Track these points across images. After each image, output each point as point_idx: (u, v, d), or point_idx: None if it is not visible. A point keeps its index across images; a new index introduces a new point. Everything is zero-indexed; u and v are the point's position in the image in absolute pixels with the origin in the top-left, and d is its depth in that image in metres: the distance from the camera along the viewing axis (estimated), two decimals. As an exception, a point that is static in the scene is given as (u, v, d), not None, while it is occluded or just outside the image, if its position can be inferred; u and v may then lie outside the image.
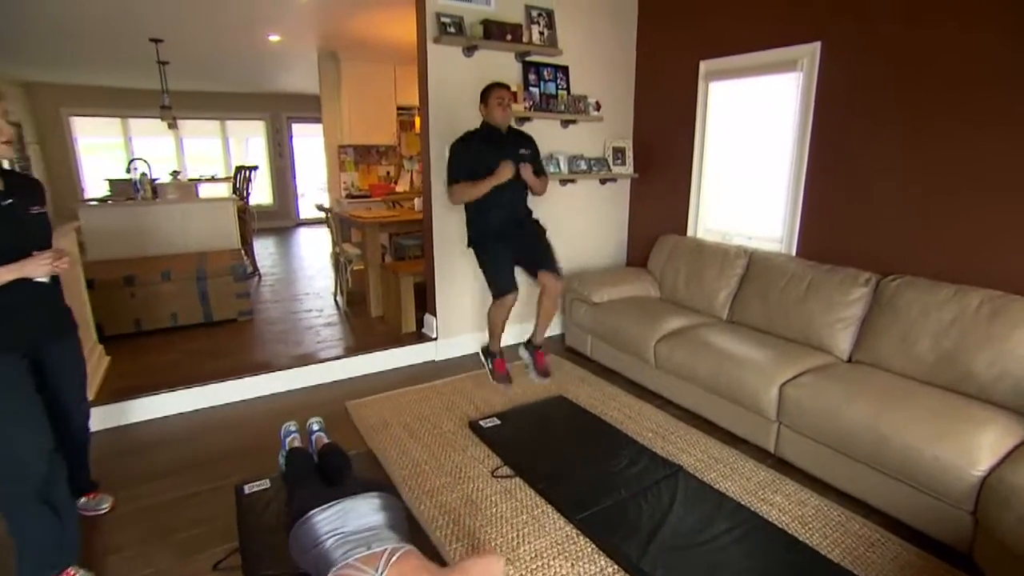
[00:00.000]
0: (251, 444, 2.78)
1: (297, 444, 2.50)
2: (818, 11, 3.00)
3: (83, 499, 2.26)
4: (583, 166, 4.07)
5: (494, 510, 2.25)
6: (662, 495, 2.30)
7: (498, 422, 2.91)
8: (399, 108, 6.60)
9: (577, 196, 4.21)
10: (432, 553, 1.96)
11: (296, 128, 10.56)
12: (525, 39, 3.64)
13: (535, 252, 3.23)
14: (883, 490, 2.16)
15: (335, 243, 4.90)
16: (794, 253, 3.29)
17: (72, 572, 1.84)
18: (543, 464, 2.54)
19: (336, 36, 5.60)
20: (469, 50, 3.51)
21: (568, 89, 3.96)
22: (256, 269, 6.20)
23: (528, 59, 3.77)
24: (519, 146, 3.16)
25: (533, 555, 2.00)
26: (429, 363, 3.84)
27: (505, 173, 2.98)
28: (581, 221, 4.29)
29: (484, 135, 3.12)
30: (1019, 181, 2.36)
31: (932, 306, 2.48)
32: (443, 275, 3.77)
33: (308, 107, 9.48)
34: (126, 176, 5.57)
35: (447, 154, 3.19)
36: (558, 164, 3.98)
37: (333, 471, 2.23)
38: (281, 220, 10.65)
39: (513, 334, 4.09)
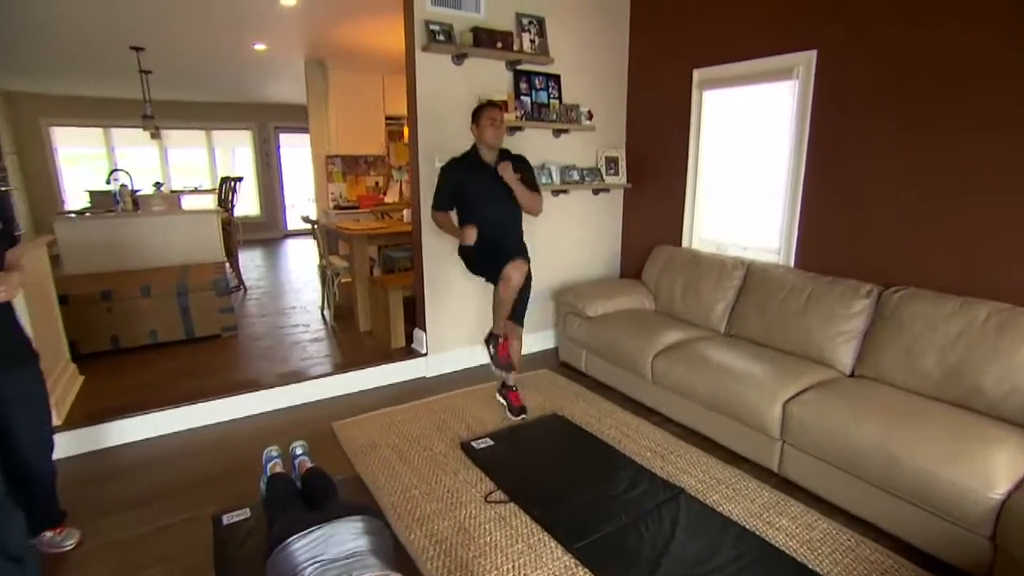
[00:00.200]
0: (232, 468, 2.64)
1: (279, 470, 2.37)
2: (813, 18, 2.95)
3: (48, 534, 2.11)
4: (576, 176, 4.00)
5: (488, 539, 2.14)
6: (663, 520, 2.20)
7: (491, 443, 2.80)
8: (388, 118, 6.51)
9: (570, 207, 4.13)
10: (422, 589, 1.84)
11: (284, 138, 10.44)
12: (516, 47, 3.57)
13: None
14: (894, 513, 2.07)
15: (322, 256, 4.78)
16: (792, 264, 3.22)
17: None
18: (539, 488, 2.43)
19: (323, 44, 5.51)
20: (459, 58, 3.43)
21: (560, 98, 3.89)
22: (242, 282, 6.06)
23: (519, 67, 3.69)
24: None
25: (530, 589, 1.89)
26: (419, 379, 3.73)
27: (468, 237, 2.90)
28: (574, 232, 4.21)
29: (472, 161, 2.96)
30: (1021, 184, 2.30)
31: (937, 319, 2.41)
32: (433, 288, 3.67)
33: (296, 117, 9.37)
34: (106, 187, 5.41)
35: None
36: (550, 174, 3.89)
37: (317, 495, 2.11)
38: (268, 232, 10.50)
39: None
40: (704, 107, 3.67)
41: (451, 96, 3.44)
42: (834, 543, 2.09)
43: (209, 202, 7.71)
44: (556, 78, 3.86)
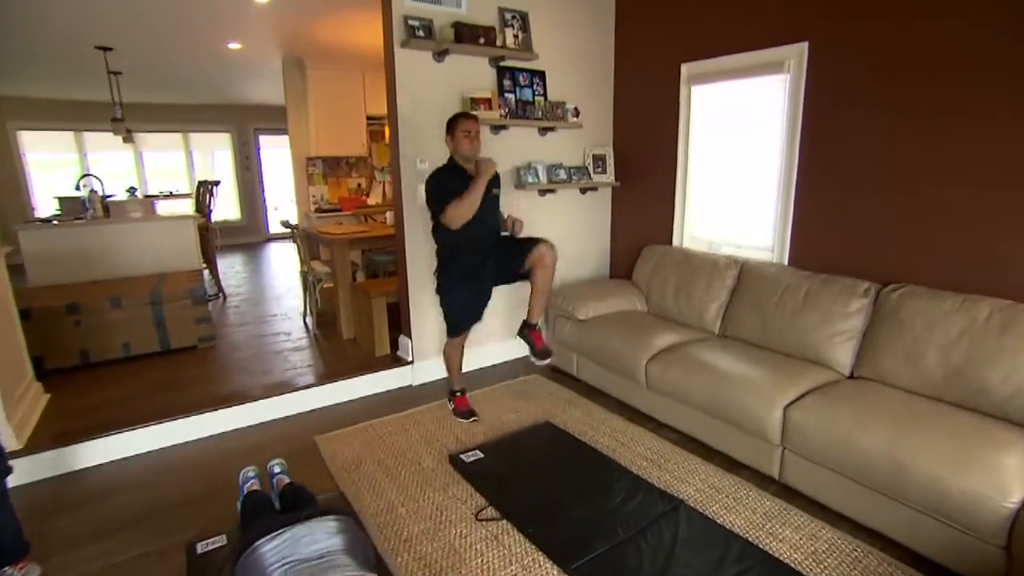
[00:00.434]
0: (208, 490, 2.50)
1: (256, 488, 2.25)
2: (803, 8, 2.87)
3: (9, 570, 1.96)
4: (562, 175, 3.89)
5: (479, 560, 2.02)
6: (663, 534, 2.10)
7: (481, 455, 2.68)
8: (369, 118, 6.35)
9: (557, 206, 4.03)
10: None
11: (264, 140, 10.22)
12: (499, 42, 3.45)
13: (517, 247, 2.92)
14: (902, 521, 1.99)
15: (303, 261, 4.62)
16: (786, 262, 3.14)
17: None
18: (532, 503, 2.32)
19: (300, 43, 5.35)
20: (440, 55, 3.31)
21: (545, 95, 3.78)
22: (221, 290, 5.87)
23: (503, 64, 3.58)
24: (491, 187, 2.83)
25: (525, 616, 1.78)
26: (405, 388, 3.60)
27: (490, 167, 2.73)
28: (562, 232, 4.08)
29: (455, 171, 2.83)
30: (1020, 177, 2.24)
31: (938, 318, 2.34)
32: (418, 293, 3.54)
33: (275, 118, 9.14)
34: (76, 193, 5.20)
35: (424, 191, 2.88)
36: (537, 173, 3.78)
37: (295, 504, 2.00)
38: (249, 236, 10.27)
39: (495, 352, 3.89)
40: (693, 102, 3.58)
41: (433, 94, 3.32)
42: (840, 554, 2.01)
43: (187, 207, 7.50)
44: (541, 74, 3.75)
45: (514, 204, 3.59)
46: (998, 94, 2.26)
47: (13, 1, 3.85)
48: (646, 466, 2.60)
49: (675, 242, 3.82)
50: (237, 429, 3.08)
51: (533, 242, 2.88)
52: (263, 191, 10.43)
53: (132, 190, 7.11)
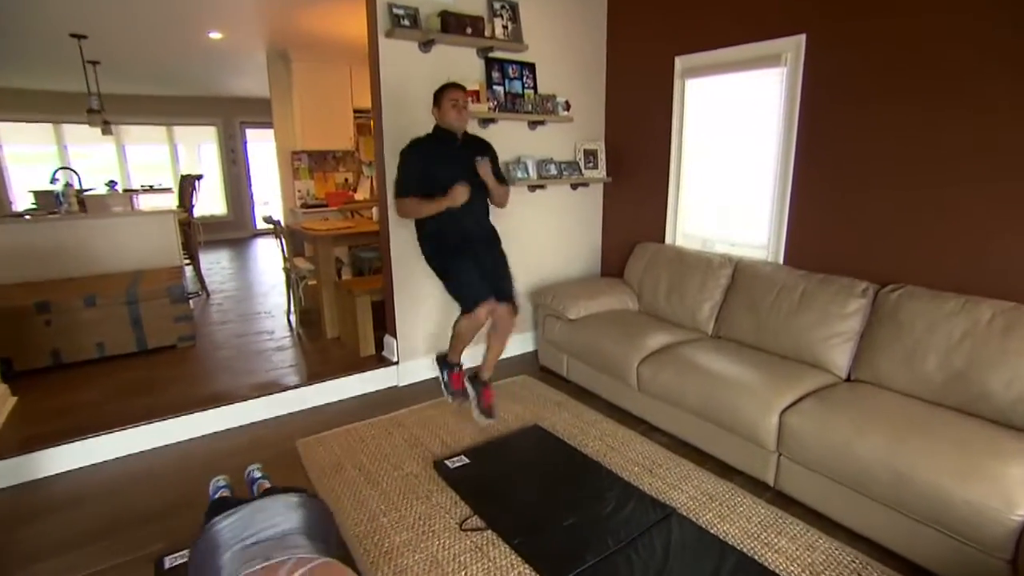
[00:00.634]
0: (180, 499, 2.38)
1: (226, 496, 2.14)
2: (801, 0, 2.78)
3: (-38, 587, 1.85)
4: (553, 170, 3.78)
5: (463, 573, 1.93)
6: (655, 545, 2.02)
7: (467, 461, 2.59)
8: (356, 111, 6.20)
9: (547, 202, 3.93)
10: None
11: (251, 133, 10.02)
12: (487, 33, 3.34)
13: (495, 278, 2.84)
14: (902, 532, 1.92)
15: (286, 258, 4.50)
16: (781, 261, 3.06)
17: None
18: (518, 512, 2.23)
19: (284, 33, 5.19)
20: (426, 45, 3.19)
21: (535, 88, 3.67)
22: (204, 287, 5.73)
23: (491, 55, 3.47)
24: (476, 154, 2.76)
25: (510, 635, 1.69)
26: (391, 389, 3.49)
27: (459, 196, 2.61)
28: (552, 229, 4.01)
29: (436, 142, 2.77)
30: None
31: (939, 319, 2.27)
32: (403, 291, 3.43)
33: (262, 111, 8.92)
34: (51, 187, 5.03)
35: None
36: (526, 169, 3.68)
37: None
38: (236, 231, 10.09)
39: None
40: (687, 97, 3.49)
41: (418, 86, 3.20)
42: (838, 566, 1.93)
43: (170, 202, 7.32)
44: (531, 67, 3.65)
45: (503, 200, 3.48)
46: (1000, 87, 2.19)
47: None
48: (638, 471, 2.52)
49: (668, 240, 3.74)
50: (215, 433, 2.97)
51: (508, 287, 2.88)
52: (250, 185, 10.24)
53: (112, 184, 6.92)
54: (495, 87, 3.49)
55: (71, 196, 4.53)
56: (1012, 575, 1.66)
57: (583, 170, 3.95)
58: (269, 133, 8.86)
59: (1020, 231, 2.20)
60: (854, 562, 1.95)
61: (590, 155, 4.00)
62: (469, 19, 3.23)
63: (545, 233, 3.97)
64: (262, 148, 10.03)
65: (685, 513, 2.21)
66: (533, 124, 3.72)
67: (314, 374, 3.44)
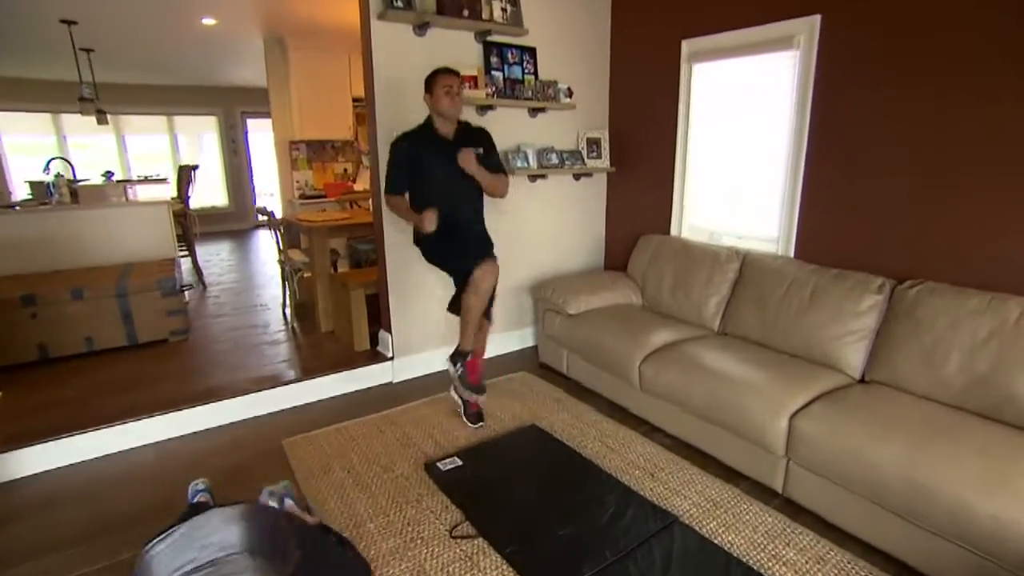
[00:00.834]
0: (163, 500, 2.29)
1: (204, 501, 2.04)
2: (817, -21, 2.63)
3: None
4: (554, 160, 3.65)
5: (452, 585, 1.83)
6: (655, 557, 1.90)
7: (459, 463, 2.48)
8: (355, 100, 6.06)
9: (548, 193, 3.79)
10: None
11: (252, 123, 9.91)
12: (485, 15, 3.20)
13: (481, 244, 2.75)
14: (920, 545, 1.79)
15: (280, 250, 4.39)
16: (792, 255, 2.92)
17: None
18: (512, 518, 2.12)
19: (279, 18, 5.05)
20: (421, 28, 3.05)
21: (536, 74, 3.53)
22: (201, 279, 5.64)
23: (490, 39, 3.32)
24: (470, 146, 2.64)
25: (498, 654, 1.58)
26: (385, 386, 3.39)
27: (427, 225, 2.50)
28: (553, 221, 3.88)
29: (427, 135, 2.65)
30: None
31: (961, 317, 2.13)
32: (398, 285, 3.32)
33: (262, 101, 8.76)
34: (44, 178, 4.94)
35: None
36: (526, 158, 3.54)
37: None
38: (237, 223, 10.00)
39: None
40: (694, 82, 3.33)
41: (413, 71, 3.06)
42: (851, 581, 1.81)
43: (168, 192, 7.24)
44: (532, 51, 3.50)
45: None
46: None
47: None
48: (638, 475, 2.40)
49: (673, 232, 3.60)
50: (206, 430, 2.88)
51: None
52: (251, 176, 10.14)
53: (109, 174, 6.83)
54: (494, 72, 3.35)
55: (63, 186, 4.44)
56: (1042, 596, 1.54)
57: (586, 159, 3.81)
58: (269, 123, 8.78)
59: (1050, 223, 2.06)
60: (868, 577, 1.83)
61: (593, 144, 3.86)
62: (466, 1, 3.08)
63: (546, 225, 3.84)
64: (263, 138, 9.93)
65: (688, 521, 2.09)
66: (534, 111, 3.58)
67: (306, 370, 3.34)
